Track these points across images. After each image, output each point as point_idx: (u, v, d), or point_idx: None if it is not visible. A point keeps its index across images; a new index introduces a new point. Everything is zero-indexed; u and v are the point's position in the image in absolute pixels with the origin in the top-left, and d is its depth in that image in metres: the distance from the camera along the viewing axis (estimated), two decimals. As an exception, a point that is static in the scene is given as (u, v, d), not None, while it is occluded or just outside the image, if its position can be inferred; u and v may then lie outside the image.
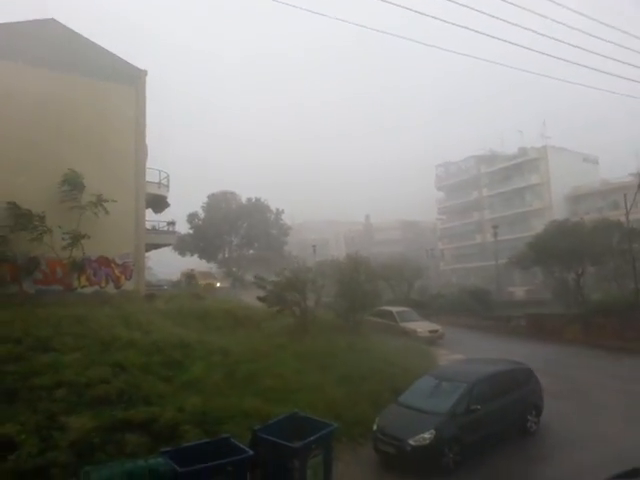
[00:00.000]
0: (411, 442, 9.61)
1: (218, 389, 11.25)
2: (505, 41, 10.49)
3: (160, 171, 26.00)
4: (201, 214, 51.40)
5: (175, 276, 39.82)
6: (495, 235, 38.16)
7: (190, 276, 33.12)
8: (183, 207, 51.60)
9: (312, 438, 7.88)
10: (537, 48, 11.41)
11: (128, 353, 12.26)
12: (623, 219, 25.57)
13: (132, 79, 22.06)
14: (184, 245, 48.83)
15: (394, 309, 24.64)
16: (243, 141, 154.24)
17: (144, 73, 22.63)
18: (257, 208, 52.13)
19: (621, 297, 23.79)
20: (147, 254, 27.28)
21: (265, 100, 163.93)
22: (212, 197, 52.29)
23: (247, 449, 7.51)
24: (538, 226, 39.63)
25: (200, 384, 11.42)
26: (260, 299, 18.94)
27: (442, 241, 66.94)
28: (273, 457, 7.78)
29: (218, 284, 34.26)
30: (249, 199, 53.04)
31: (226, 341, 14.50)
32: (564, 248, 25.69)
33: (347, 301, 20.08)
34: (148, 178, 23.87)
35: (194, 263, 49.13)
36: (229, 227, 50.24)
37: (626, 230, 25.38)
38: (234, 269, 35.47)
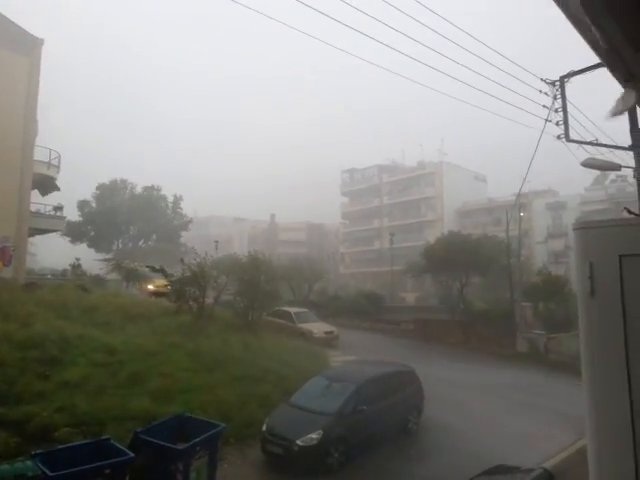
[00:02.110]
0: (299, 442, 9.70)
1: (101, 388, 10.63)
2: (400, 52, 10.93)
3: (51, 150, 23.90)
4: (93, 203, 48.58)
5: (64, 265, 37.00)
6: (391, 242, 39.95)
7: (76, 266, 30.86)
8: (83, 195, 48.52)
9: (197, 440, 7.67)
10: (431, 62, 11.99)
11: (1, 347, 11.18)
12: (504, 234, 27.90)
13: (27, 48, 20.15)
14: (74, 233, 45.71)
15: (292, 310, 24.85)
16: (162, 134, 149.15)
17: (40, 42, 20.75)
18: (153, 197, 50.15)
19: (499, 307, 25.84)
20: (30, 239, 25.09)
21: (181, 91, 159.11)
22: (102, 187, 49.67)
23: (128, 451, 7.15)
24: (430, 236, 42.13)
25: (82, 383, 10.72)
26: (156, 293, 18.19)
27: (344, 245, 68.62)
28: (155, 459, 7.47)
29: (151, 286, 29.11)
30: (147, 188, 50.91)
31: (114, 338, 13.74)
32: (452, 259, 27.44)
33: (246, 300, 19.94)
34: (37, 157, 21.94)
35: (83, 253, 46.09)
36: (123, 217, 47.73)
37: (505, 245, 27.66)
38: (127, 261, 33.66)
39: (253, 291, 19.79)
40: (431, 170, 60.46)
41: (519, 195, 19.70)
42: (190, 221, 53.15)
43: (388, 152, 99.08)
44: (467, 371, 18.67)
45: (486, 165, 79.55)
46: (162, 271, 18.28)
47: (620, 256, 2.09)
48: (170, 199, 51.86)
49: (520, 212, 28.77)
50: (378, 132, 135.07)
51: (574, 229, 2.23)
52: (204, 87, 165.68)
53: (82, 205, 47.72)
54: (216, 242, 48.99)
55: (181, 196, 52.08)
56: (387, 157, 68.85)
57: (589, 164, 11.04)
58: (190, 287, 17.78)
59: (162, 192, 51.65)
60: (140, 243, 50.80)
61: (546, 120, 11.52)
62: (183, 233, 52.31)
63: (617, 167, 11.37)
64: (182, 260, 19.14)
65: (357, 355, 19.14)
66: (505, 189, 60.48)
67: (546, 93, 11.71)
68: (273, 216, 76.52)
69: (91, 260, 46.76)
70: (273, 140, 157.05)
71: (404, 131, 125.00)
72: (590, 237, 2.19)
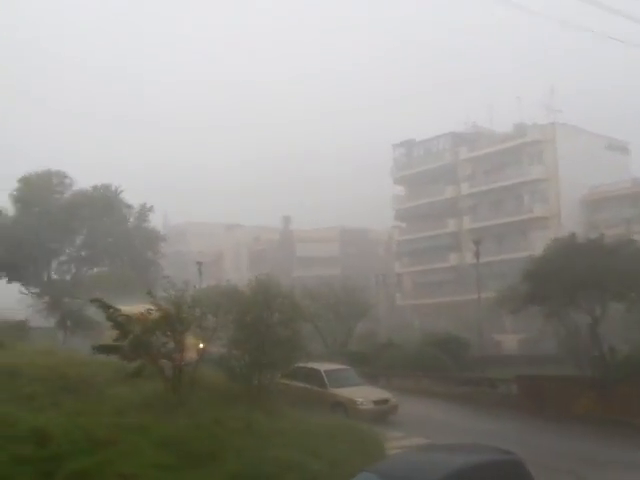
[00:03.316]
0: None
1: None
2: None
3: None
4: (8, 209, 48.99)
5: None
6: (477, 255, 39.45)
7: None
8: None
9: None
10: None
11: None
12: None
13: None
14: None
15: (322, 367, 24.86)
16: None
17: None
18: (107, 201, 50.66)
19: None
20: None
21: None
22: (26, 181, 49.35)
23: None
24: (540, 242, 41.47)
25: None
26: (103, 349, 18.24)
27: (400, 261, 68.47)
28: None
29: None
30: (98, 187, 51.55)
31: (45, 418, 13.85)
32: (576, 279, 26.81)
33: (250, 353, 19.94)
34: None
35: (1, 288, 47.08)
36: (58, 229, 48.15)
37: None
38: (65, 299, 34.18)
39: (260, 340, 19.79)
40: (537, 137, 59.95)
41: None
42: (162, 238, 53.79)
43: (466, 112, 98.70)
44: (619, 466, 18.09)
45: (627, 127, 77.89)
46: (108, 307, 18.28)
47: None
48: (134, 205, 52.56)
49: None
50: (446, 79, 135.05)
51: None
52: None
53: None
54: (199, 263, 49.42)
55: (151, 207, 52.86)
56: (465, 120, 68.29)
57: None
58: (159, 336, 17.78)
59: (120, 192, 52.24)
60: (89, 271, 51.43)
61: None
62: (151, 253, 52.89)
63: None
64: (150, 293, 19.16)
65: (429, 437, 18.92)
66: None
67: None
68: (287, 220, 76.75)
69: (13, 297, 47.70)
70: (280, 103, 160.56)
71: (489, 75, 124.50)
72: None
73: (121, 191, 51.97)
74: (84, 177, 52.55)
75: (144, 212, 52.48)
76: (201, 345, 19.06)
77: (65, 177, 51.35)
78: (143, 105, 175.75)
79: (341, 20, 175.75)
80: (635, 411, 23.70)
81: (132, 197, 53.08)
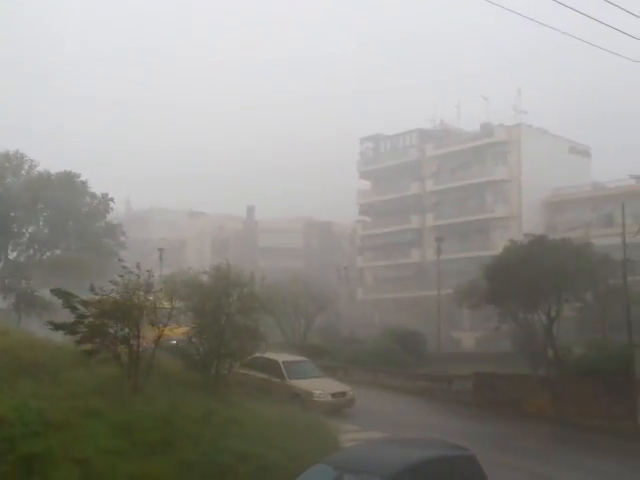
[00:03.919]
0: None
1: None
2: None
3: None
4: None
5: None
6: (439, 251, 39.77)
7: None
8: None
9: None
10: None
11: None
12: (619, 240, 27.58)
13: None
14: None
15: (281, 358, 24.90)
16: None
17: None
18: (68, 185, 50.10)
19: (609, 354, 25.56)
20: None
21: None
22: None
23: None
24: (502, 241, 41.87)
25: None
26: (58, 326, 17.98)
27: (363, 255, 68.55)
28: None
29: None
30: (61, 174, 50.92)
31: (-4, 401, 13.63)
32: (534, 278, 27.12)
33: (208, 342, 19.83)
34: None
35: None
36: (16, 212, 47.61)
37: (622, 258, 27.34)
38: (21, 281, 33.78)
39: (219, 329, 19.68)
40: (502, 138, 60.43)
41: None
42: (120, 229, 53.56)
43: (435, 109, 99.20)
44: (565, 467, 18.38)
45: (589, 131, 79.26)
46: (66, 295, 18.08)
47: None
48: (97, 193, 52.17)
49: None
50: (419, 77, 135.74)
51: None
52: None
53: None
54: (160, 250, 49.12)
55: (112, 198, 52.55)
56: (432, 117, 68.51)
57: None
58: (115, 322, 17.58)
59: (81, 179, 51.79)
60: (46, 253, 50.87)
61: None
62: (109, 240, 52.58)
63: None
64: (112, 285, 18.91)
65: (385, 430, 18.95)
66: (619, 167, 60.24)
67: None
68: (251, 210, 76.42)
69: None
70: (247, 91, 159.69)
71: (459, 76, 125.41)
72: None
73: (83, 180, 51.55)
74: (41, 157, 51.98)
75: (105, 200, 52.07)
76: (159, 332, 18.92)
77: (24, 158, 50.71)
78: (102, 86, 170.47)
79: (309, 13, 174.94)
80: (586, 411, 24.09)
81: (96, 183, 52.91)
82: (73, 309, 17.95)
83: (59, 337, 18.88)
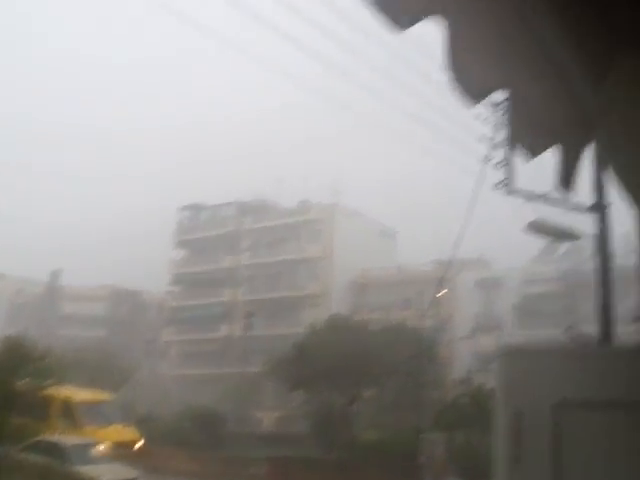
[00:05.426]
0: None
1: None
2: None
3: None
4: None
5: None
6: (247, 327, 39.29)
7: None
8: None
9: None
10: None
11: None
12: (417, 322, 28.36)
13: None
14: None
15: (67, 440, 23.17)
16: None
17: None
18: None
19: (399, 438, 25.77)
20: None
21: None
22: None
23: None
24: (310, 320, 42.07)
25: None
26: None
27: (170, 328, 66.66)
28: None
29: None
30: None
31: None
32: (338, 359, 27.20)
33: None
34: None
35: None
36: None
37: (417, 340, 28.06)
38: None
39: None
40: (318, 215, 61.61)
41: (448, 265, 20.08)
42: None
43: (259, 184, 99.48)
44: None
45: (397, 215, 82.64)
46: None
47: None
48: None
49: (439, 291, 29.58)
50: (243, 150, 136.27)
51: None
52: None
53: None
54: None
55: None
56: (255, 192, 68.64)
57: (538, 227, 11.23)
58: None
59: None
60: None
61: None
62: None
63: (575, 235, 11.68)
64: None
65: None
66: (422, 251, 62.66)
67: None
68: (56, 274, 72.46)
69: None
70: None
71: (283, 152, 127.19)
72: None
73: None
74: None
75: None
76: None
77: None
78: None
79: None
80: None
81: None
82: None
83: None
